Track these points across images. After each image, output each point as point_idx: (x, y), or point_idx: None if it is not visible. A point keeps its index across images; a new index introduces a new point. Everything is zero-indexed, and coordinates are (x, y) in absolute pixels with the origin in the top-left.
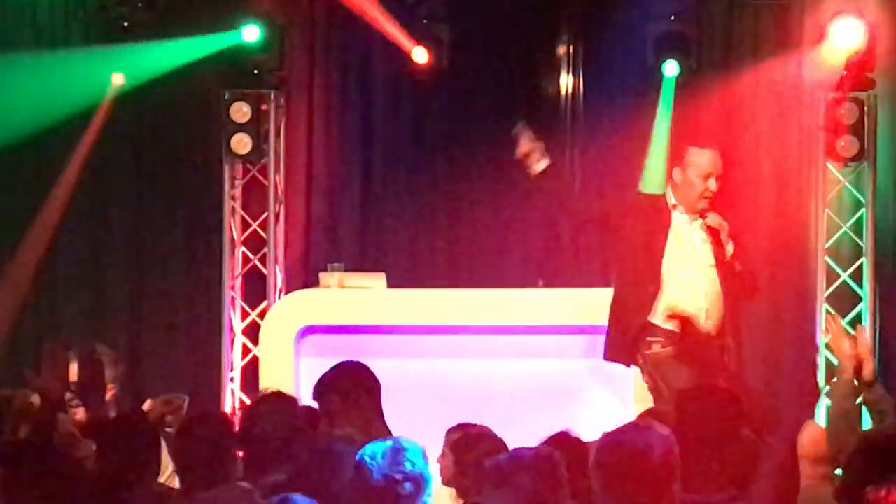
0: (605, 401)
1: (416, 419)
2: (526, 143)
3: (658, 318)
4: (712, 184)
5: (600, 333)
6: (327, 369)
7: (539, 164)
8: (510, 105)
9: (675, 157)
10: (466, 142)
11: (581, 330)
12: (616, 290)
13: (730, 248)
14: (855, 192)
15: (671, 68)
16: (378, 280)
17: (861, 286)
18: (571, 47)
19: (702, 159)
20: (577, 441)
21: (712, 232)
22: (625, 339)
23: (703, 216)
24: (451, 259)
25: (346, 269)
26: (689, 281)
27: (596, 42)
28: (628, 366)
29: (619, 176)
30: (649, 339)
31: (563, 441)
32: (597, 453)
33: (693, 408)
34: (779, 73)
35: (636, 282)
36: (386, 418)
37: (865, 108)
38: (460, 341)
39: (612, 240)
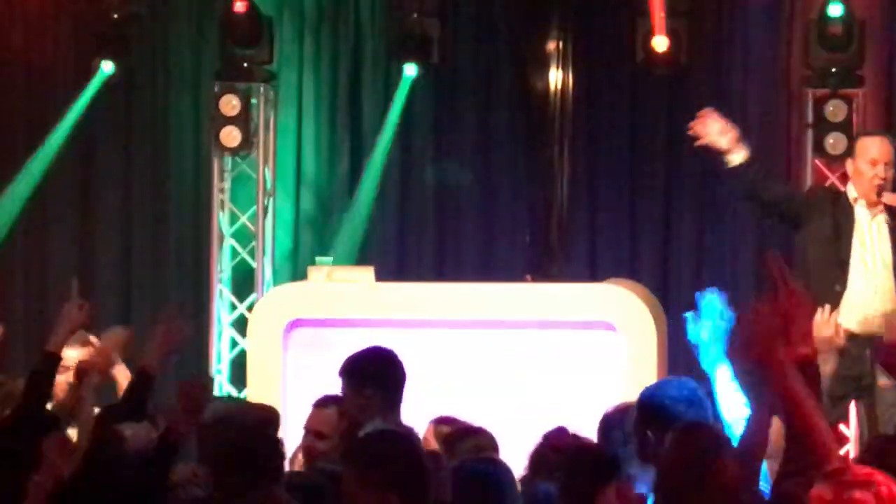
0: (594, 395)
1: (404, 411)
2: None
3: (844, 319)
4: (881, 170)
5: (589, 328)
6: (359, 351)
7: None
8: (499, 100)
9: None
10: (456, 137)
11: (568, 325)
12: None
13: None
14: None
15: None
16: (366, 274)
17: None
18: (561, 43)
19: (868, 146)
20: (575, 437)
21: (891, 212)
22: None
23: (879, 203)
24: (440, 254)
25: (335, 263)
26: (870, 281)
27: (586, 37)
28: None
29: (609, 171)
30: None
31: (560, 437)
32: None
33: None
34: (767, 70)
35: (822, 281)
36: None
37: (853, 105)
38: (448, 335)
39: (800, 236)
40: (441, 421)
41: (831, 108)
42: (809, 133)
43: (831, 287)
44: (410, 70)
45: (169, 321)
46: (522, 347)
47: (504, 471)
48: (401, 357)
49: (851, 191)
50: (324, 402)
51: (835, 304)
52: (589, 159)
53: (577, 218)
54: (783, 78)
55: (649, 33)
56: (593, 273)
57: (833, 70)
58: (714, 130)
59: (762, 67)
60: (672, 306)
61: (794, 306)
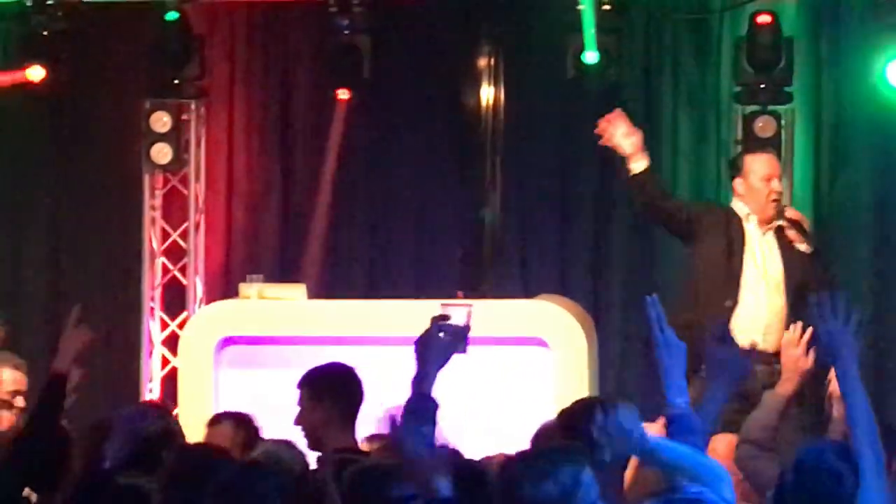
0: (525, 411)
1: None
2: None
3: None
4: (776, 185)
5: (520, 344)
6: (321, 364)
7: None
8: (431, 116)
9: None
10: (387, 153)
11: (500, 341)
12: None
13: (805, 246)
14: None
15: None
16: (298, 291)
17: None
18: (492, 59)
19: (760, 164)
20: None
21: (792, 226)
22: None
23: (775, 219)
24: (372, 271)
25: (266, 281)
26: (761, 298)
27: (517, 53)
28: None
29: (541, 187)
30: None
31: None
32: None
33: None
34: (697, 87)
35: (714, 296)
36: None
37: (782, 122)
38: (380, 352)
39: (690, 251)
40: (373, 438)
41: (760, 125)
42: (738, 150)
43: (722, 303)
44: (342, 85)
45: (73, 325)
46: (454, 364)
47: None
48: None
49: (741, 208)
50: (217, 420)
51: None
52: (521, 176)
53: (509, 234)
54: (712, 94)
55: (580, 49)
56: (525, 290)
57: (762, 87)
58: (619, 132)
59: (691, 83)
60: (603, 323)
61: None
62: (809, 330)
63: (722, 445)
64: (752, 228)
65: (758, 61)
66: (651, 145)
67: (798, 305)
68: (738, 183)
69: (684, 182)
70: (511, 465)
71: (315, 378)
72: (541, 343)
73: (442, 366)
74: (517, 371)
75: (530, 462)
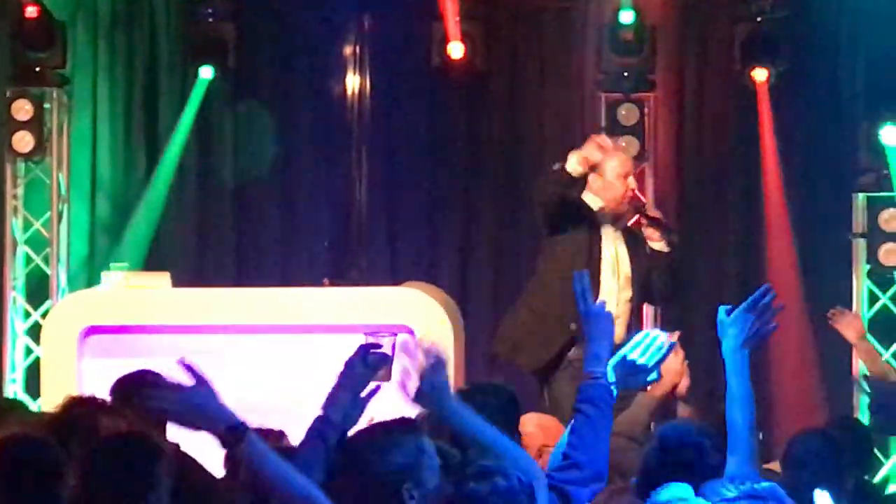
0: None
1: None
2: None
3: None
4: (632, 182)
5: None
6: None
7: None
8: (298, 105)
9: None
10: (253, 140)
11: (367, 329)
12: (540, 297)
13: (660, 244)
14: None
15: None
16: (162, 280)
17: None
18: (358, 47)
19: (615, 161)
20: None
21: (651, 224)
22: (548, 351)
23: (630, 216)
24: (238, 259)
25: (130, 269)
26: (613, 294)
27: (383, 42)
28: (545, 379)
29: (408, 175)
30: (570, 355)
31: None
32: None
33: None
34: (562, 74)
35: (565, 292)
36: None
37: (646, 109)
38: (246, 340)
39: (550, 241)
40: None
41: (624, 112)
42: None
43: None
44: (206, 73)
45: None
46: (321, 351)
47: None
48: (198, 363)
49: (593, 201)
50: None
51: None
52: (387, 164)
53: (376, 222)
54: (577, 82)
55: (444, 38)
56: (394, 277)
57: (626, 74)
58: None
59: (557, 72)
60: (471, 311)
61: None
62: (677, 333)
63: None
64: (604, 223)
65: (621, 49)
66: (517, 133)
67: (641, 302)
68: (593, 178)
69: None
70: (355, 441)
71: (124, 385)
72: (407, 330)
73: (357, 393)
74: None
75: (374, 435)
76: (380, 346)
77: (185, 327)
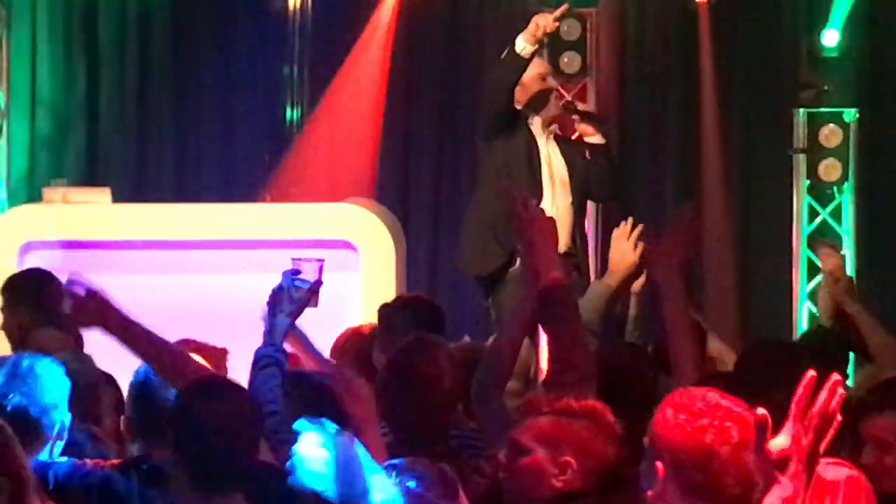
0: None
1: None
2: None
3: None
4: (551, 81)
5: (328, 248)
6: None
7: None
8: (236, 22)
9: None
10: (192, 59)
11: (307, 244)
12: (483, 207)
13: (596, 137)
14: None
15: None
16: (103, 195)
17: None
18: None
19: (531, 66)
20: None
21: (584, 118)
22: (491, 261)
23: (561, 116)
24: (179, 175)
25: (70, 185)
26: (550, 200)
27: None
28: (494, 281)
29: (345, 93)
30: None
31: None
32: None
33: None
34: None
35: (502, 202)
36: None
37: (588, 24)
38: (187, 256)
39: (487, 146)
40: (180, 343)
41: (566, 28)
42: (545, 53)
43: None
44: None
45: None
46: (261, 266)
47: None
48: (137, 279)
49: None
50: None
51: None
52: (327, 80)
53: (317, 138)
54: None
55: None
56: (333, 195)
57: None
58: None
59: None
60: (411, 227)
61: (536, 231)
62: (640, 226)
63: None
64: (536, 130)
65: None
66: (457, 54)
67: (583, 205)
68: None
69: None
70: (187, 394)
71: (12, 284)
72: (348, 245)
73: (294, 318)
74: (325, 274)
75: (209, 387)
76: (300, 272)
77: (125, 242)
